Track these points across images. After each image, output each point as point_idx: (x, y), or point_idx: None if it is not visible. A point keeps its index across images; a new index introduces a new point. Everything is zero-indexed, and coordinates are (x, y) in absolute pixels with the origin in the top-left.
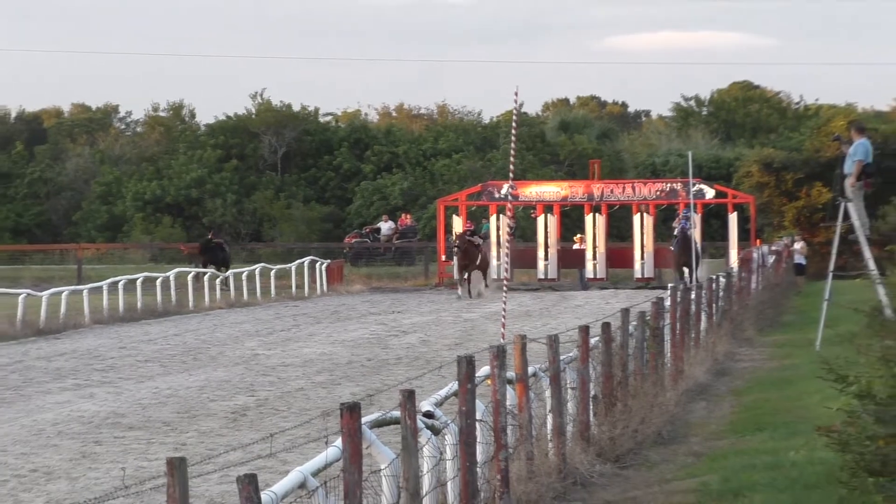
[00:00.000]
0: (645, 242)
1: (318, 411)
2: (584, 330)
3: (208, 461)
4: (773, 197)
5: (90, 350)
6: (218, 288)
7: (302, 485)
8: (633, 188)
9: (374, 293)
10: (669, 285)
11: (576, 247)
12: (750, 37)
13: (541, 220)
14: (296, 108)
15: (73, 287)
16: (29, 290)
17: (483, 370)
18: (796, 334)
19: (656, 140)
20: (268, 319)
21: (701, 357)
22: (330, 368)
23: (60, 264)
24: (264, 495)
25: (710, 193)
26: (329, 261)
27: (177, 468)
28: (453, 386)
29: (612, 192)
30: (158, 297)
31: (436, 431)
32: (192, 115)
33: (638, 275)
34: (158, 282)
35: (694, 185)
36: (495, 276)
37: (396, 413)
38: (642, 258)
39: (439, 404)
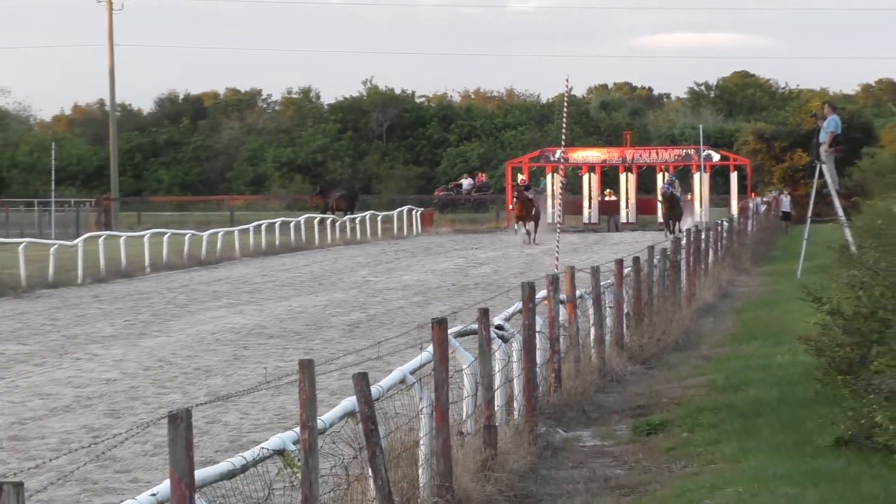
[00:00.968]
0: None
1: (414, 324)
2: (619, 262)
3: (330, 362)
4: (764, 160)
5: (240, 277)
6: (337, 229)
7: (402, 381)
8: (657, 153)
9: (457, 234)
10: (684, 228)
11: (606, 199)
12: (747, 36)
13: (585, 177)
14: (397, 91)
15: (226, 228)
16: (193, 231)
17: (541, 293)
18: (782, 266)
19: (674, 116)
20: (375, 254)
21: (709, 283)
22: (423, 291)
23: (216, 211)
24: (373, 388)
25: (716, 157)
26: (422, 209)
27: (306, 368)
28: (518, 305)
29: (640, 156)
30: (292, 236)
31: (505, 340)
32: (318, 97)
33: (660, 220)
34: (292, 225)
35: (703, 150)
36: (550, 221)
37: (474, 326)
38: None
39: (508, 319)
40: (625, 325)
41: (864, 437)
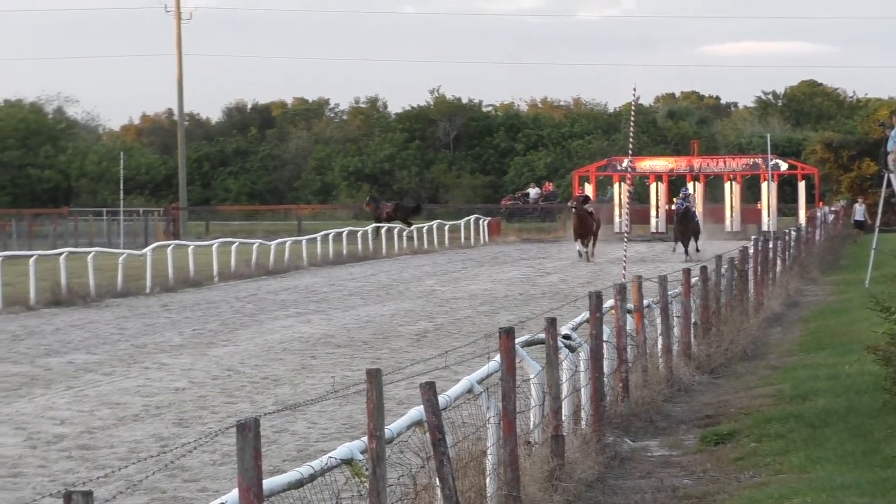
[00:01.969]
0: (734, 204)
1: (481, 334)
2: (687, 272)
3: (398, 372)
4: (832, 169)
5: (307, 286)
6: (405, 238)
7: (469, 390)
8: (724, 162)
9: (524, 243)
10: (752, 237)
11: (673, 207)
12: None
13: (653, 186)
14: (464, 100)
15: (294, 238)
16: (261, 240)
17: (608, 303)
18: (850, 275)
19: (742, 125)
20: (442, 263)
21: (777, 292)
22: (490, 301)
23: (284, 220)
24: (441, 397)
25: (783, 166)
26: (489, 218)
27: (374, 377)
28: (585, 314)
29: (707, 165)
30: (359, 246)
31: (572, 349)
32: (385, 106)
33: (728, 229)
34: (359, 234)
35: (771, 159)
36: (617, 230)
37: (542, 335)
38: (731, 216)
39: (575, 329)
40: (692, 335)
41: None
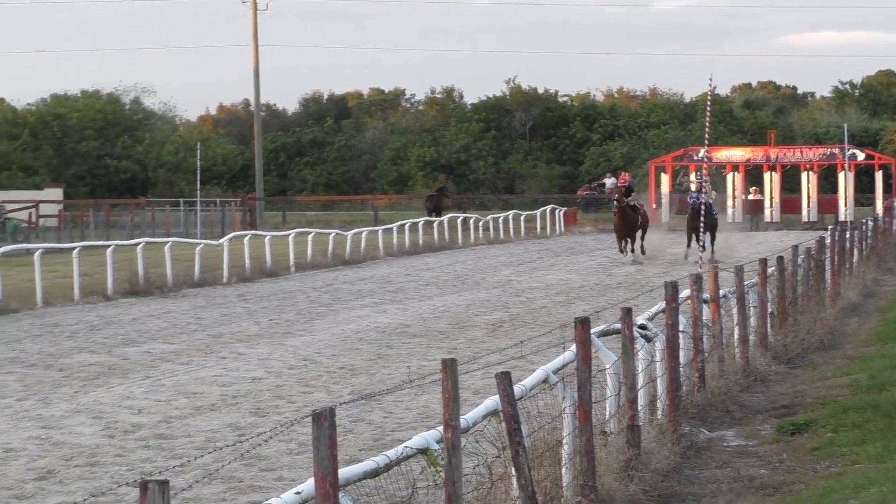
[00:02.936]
0: (811, 194)
1: (557, 324)
2: (763, 262)
3: (473, 361)
4: None
5: (384, 276)
6: (480, 229)
7: (545, 380)
8: (801, 152)
9: (600, 233)
10: (829, 227)
11: (750, 197)
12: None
13: (729, 176)
14: (540, 90)
15: (370, 228)
16: (337, 231)
17: (684, 293)
18: None
19: (819, 115)
20: (518, 253)
21: (853, 282)
22: (566, 291)
23: (361, 210)
24: (516, 387)
25: (860, 156)
26: (566, 208)
27: (449, 367)
28: (661, 304)
29: (784, 155)
30: (435, 236)
31: (648, 339)
32: (461, 97)
33: (805, 219)
34: (435, 224)
35: (848, 149)
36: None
37: (617, 325)
38: (808, 206)
39: (651, 319)
40: (769, 325)
41: None
